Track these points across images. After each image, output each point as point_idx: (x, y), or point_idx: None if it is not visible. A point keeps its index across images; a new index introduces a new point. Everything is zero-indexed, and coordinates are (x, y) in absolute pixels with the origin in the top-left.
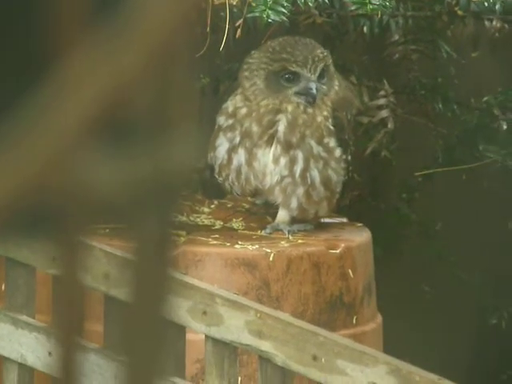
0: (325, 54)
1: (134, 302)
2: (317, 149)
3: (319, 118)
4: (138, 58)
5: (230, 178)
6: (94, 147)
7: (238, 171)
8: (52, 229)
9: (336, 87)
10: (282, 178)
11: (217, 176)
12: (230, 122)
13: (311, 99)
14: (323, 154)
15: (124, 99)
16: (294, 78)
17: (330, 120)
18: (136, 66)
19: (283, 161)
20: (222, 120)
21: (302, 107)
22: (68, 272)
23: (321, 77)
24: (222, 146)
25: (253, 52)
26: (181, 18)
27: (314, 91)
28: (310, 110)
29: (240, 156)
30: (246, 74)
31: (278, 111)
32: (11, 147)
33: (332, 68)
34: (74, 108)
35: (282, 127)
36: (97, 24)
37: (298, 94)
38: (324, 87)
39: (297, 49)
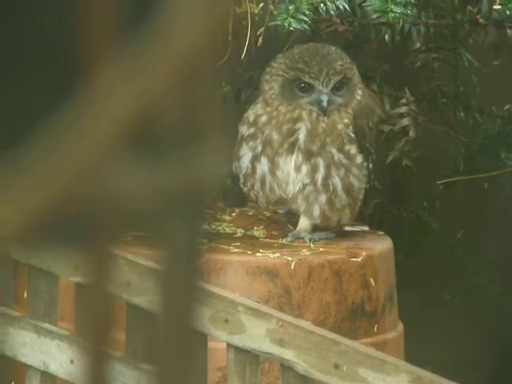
0: (345, 66)
1: (162, 312)
2: (338, 156)
3: (340, 126)
4: (167, 72)
5: (256, 187)
6: (125, 158)
7: (263, 181)
8: (83, 239)
9: (358, 97)
10: (304, 185)
11: (242, 186)
12: (252, 130)
13: (321, 111)
14: (344, 161)
15: (154, 111)
16: (308, 88)
17: (350, 127)
18: (166, 79)
19: (305, 169)
20: (244, 129)
21: (314, 115)
22: (97, 282)
23: (337, 89)
24: (246, 155)
25: (278, 56)
26: (209, 32)
27: (325, 104)
28: (327, 119)
29: (263, 165)
30: (267, 77)
31: (297, 120)
32: (44, 158)
33: (356, 79)
34: (105, 120)
35: (302, 135)
36: (128, 38)
37: (309, 103)
38: (339, 99)
39: (314, 59)
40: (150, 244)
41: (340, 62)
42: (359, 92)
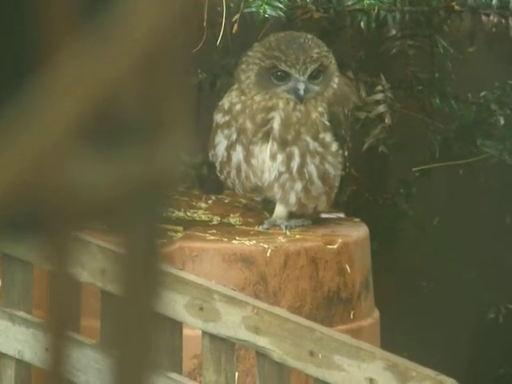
0: (322, 54)
1: (124, 300)
2: (313, 144)
3: (314, 115)
4: (127, 59)
5: (231, 175)
6: (84, 146)
7: (238, 168)
8: (42, 227)
9: (334, 85)
10: (280, 174)
11: (219, 174)
12: (227, 118)
13: (298, 99)
14: (319, 150)
15: (113, 99)
16: (284, 76)
17: (325, 115)
18: (125, 66)
19: (280, 157)
20: (219, 117)
21: (292, 104)
22: (59, 269)
23: (314, 77)
24: (221, 143)
25: (254, 45)
26: (170, 19)
27: (302, 92)
28: (302, 108)
29: (238, 153)
30: (243, 66)
31: (271, 109)
32: (0, 146)
33: (332, 67)
34: (63, 108)
35: (276, 125)
36: (86, 25)
37: (286, 91)
38: (316, 87)
39: (291, 47)
40: (113, 232)
41: (317, 50)
42: (336, 80)
